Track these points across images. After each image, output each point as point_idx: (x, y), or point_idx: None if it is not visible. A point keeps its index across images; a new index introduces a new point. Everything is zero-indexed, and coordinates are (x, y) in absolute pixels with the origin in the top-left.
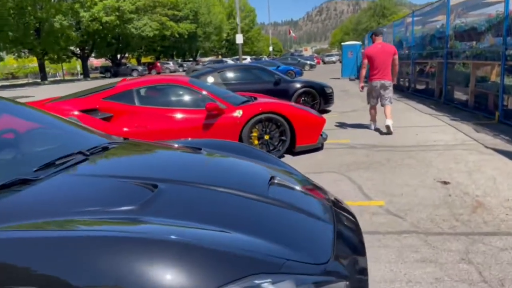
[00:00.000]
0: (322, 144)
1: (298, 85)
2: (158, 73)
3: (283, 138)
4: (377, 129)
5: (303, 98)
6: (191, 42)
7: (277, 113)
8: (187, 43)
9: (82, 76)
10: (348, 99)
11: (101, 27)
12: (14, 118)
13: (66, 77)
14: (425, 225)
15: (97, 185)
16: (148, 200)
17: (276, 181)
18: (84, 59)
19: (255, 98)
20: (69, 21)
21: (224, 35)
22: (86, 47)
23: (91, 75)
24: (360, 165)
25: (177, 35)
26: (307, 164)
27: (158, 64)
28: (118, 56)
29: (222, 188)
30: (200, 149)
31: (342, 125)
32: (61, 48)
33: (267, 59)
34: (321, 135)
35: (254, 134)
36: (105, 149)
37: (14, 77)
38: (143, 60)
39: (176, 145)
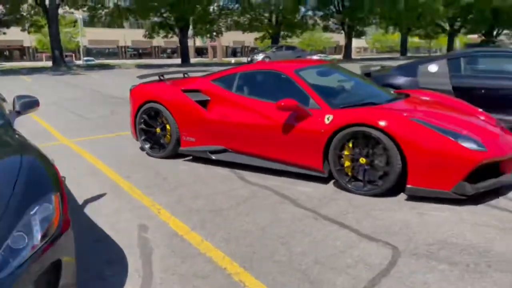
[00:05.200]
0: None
1: None
2: None
3: (386, 169)
4: None
5: None
6: None
7: (378, 128)
8: None
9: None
10: None
11: (472, 0)
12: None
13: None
14: None
15: None
16: None
17: None
18: (451, 35)
19: (406, 95)
20: None
21: None
22: (456, 23)
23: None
24: None
25: None
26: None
27: None
28: (495, 32)
29: None
30: None
31: None
32: (427, 24)
33: None
34: (476, 180)
35: (346, 153)
36: None
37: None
38: None
39: None
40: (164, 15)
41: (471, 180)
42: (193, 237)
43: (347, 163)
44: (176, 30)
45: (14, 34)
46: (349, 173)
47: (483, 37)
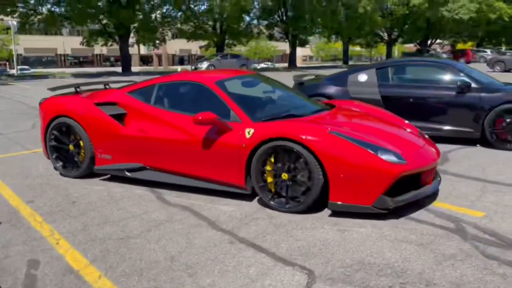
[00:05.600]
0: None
1: (502, 96)
2: (468, 62)
3: (309, 184)
4: None
5: (508, 121)
6: None
7: (298, 142)
8: None
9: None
10: None
11: (407, 12)
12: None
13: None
14: None
15: None
16: None
17: None
18: (389, 44)
19: (331, 106)
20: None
21: None
22: (394, 32)
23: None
24: None
25: (506, 19)
26: None
27: (470, 52)
28: (429, 41)
29: None
30: None
31: None
32: (367, 33)
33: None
34: (398, 194)
35: (268, 168)
36: None
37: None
38: (461, 46)
39: None
40: (103, 22)
41: (393, 193)
42: (90, 273)
43: (269, 179)
44: (116, 38)
45: None
46: (272, 189)
47: (418, 46)
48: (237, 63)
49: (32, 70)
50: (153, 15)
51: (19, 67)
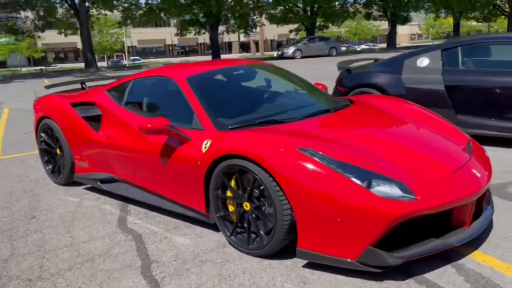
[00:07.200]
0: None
1: None
2: None
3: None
4: None
5: None
6: None
7: (254, 161)
8: None
9: None
10: None
11: None
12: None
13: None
14: None
15: None
16: None
17: None
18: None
19: (349, 103)
20: None
21: None
22: None
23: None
24: None
25: None
26: None
27: None
28: None
29: None
30: None
31: None
32: (483, 5)
33: None
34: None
35: (229, 194)
36: None
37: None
38: None
39: None
40: (194, 11)
41: (397, 242)
42: None
43: (231, 208)
44: (208, 27)
45: (69, 37)
46: (234, 222)
47: None
48: (326, 46)
49: (142, 60)
50: (244, 1)
51: (131, 58)
